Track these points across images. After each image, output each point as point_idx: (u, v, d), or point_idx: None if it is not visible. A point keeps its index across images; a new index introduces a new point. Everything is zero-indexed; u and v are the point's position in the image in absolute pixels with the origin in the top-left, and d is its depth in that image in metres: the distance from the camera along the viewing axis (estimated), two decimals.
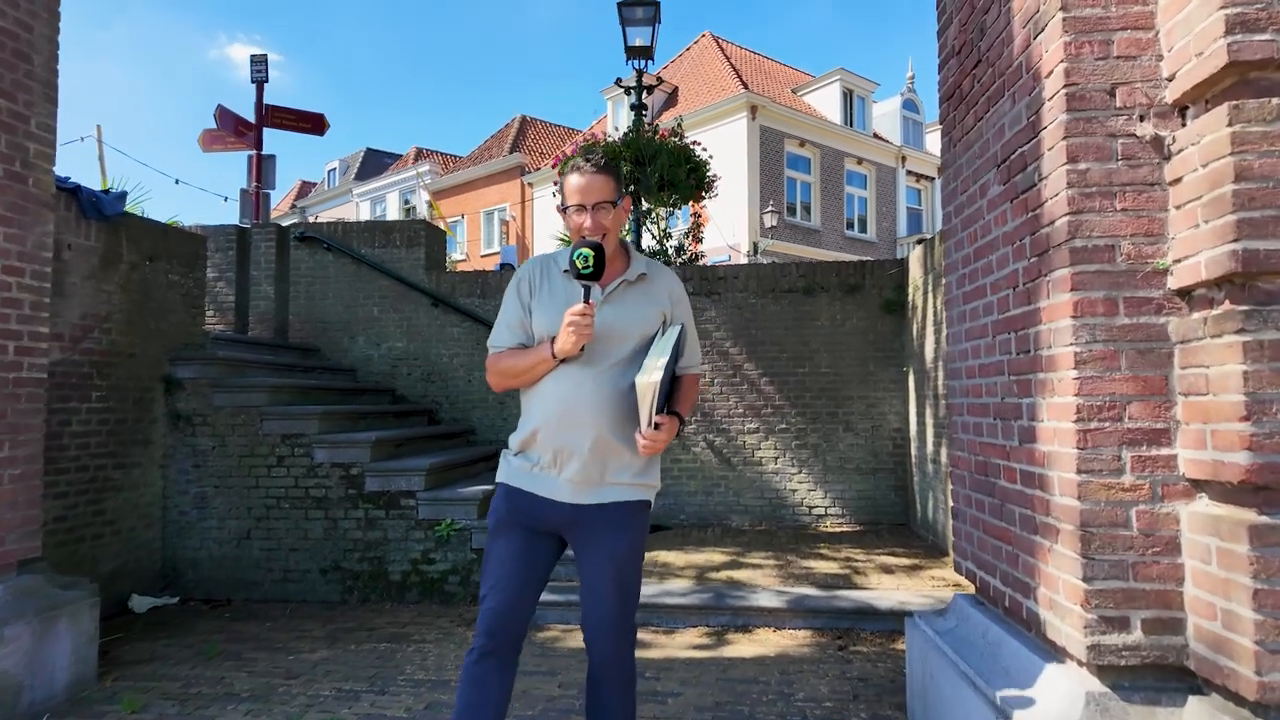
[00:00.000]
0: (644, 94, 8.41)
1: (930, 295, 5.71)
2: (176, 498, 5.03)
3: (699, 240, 8.40)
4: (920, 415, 6.00)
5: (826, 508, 6.46)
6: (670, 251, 7.99)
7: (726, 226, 19.10)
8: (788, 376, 6.52)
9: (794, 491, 6.47)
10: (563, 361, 1.93)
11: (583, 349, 1.90)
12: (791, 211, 21.74)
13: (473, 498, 4.83)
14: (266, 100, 9.47)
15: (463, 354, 6.75)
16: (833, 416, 6.50)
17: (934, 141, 27.79)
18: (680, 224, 8.60)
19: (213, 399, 5.03)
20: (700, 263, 8.00)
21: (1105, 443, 1.98)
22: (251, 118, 9.39)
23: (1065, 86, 2.07)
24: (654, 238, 8.00)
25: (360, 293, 6.89)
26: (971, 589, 2.88)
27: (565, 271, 1.99)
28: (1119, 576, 1.94)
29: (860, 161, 23.93)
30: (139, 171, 59.32)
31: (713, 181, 8.22)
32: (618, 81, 8.66)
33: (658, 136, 7.80)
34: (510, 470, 2.05)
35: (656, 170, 7.49)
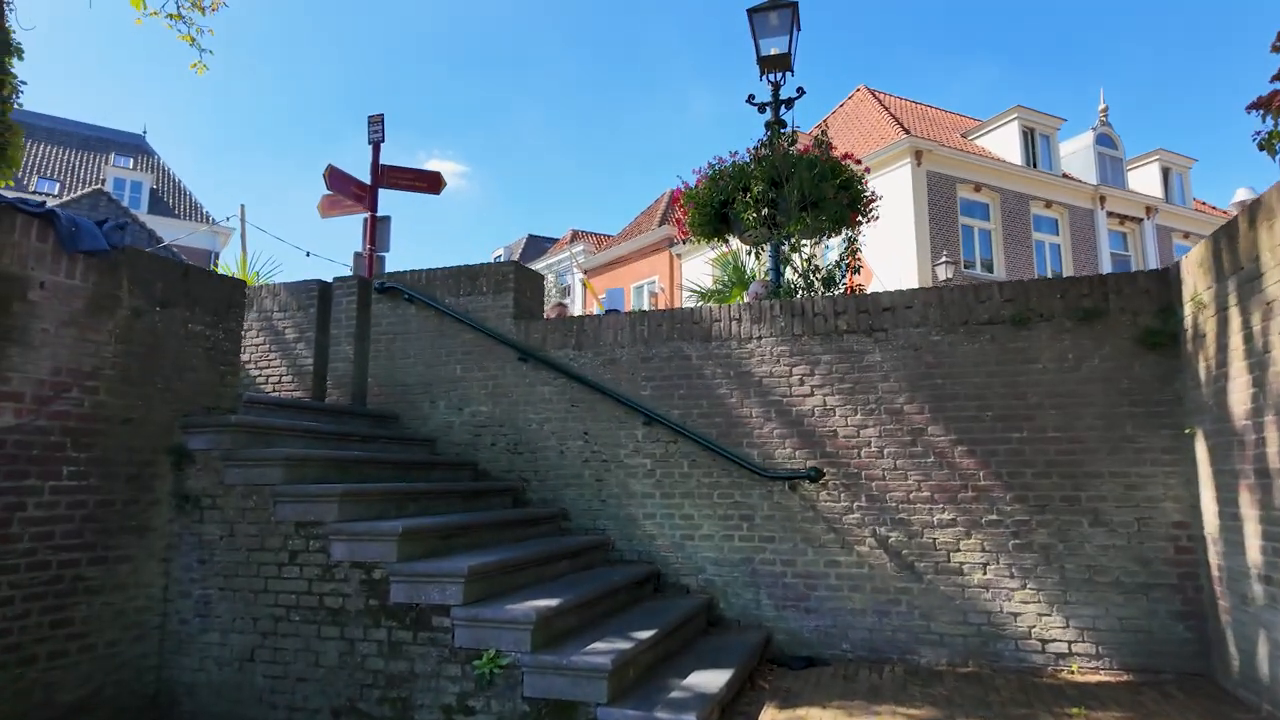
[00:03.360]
0: (780, 108, 6.99)
1: (1233, 313, 3.65)
2: (178, 601, 3.98)
3: (855, 270, 6.67)
4: (1225, 503, 3.82)
5: (1070, 642, 4.31)
6: (818, 286, 6.33)
7: (893, 282, 16.98)
8: (996, 445, 4.56)
9: (1016, 616, 4.39)
10: None
11: None
12: (970, 264, 19.17)
13: (525, 620, 3.35)
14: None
15: (554, 419, 5.42)
16: (1071, 504, 4.41)
17: (1137, 178, 24.01)
18: (835, 255, 6.88)
19: (225, 475, 4.00)
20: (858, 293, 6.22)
21: None
22: (369, 179, 9.00)
23: None
24: (797, 271, 6.39)
25: (442, 349, 5.83)
26: None
27: None
28: None
29: (1049, 205, 20.99)
30: (274, 246, 65.93)
31: (871, 200, 6.54)
32: (749, 99, 7.32)
33: (796, 149, 6.33)
34: None
35: (795, 188, 5.96)
